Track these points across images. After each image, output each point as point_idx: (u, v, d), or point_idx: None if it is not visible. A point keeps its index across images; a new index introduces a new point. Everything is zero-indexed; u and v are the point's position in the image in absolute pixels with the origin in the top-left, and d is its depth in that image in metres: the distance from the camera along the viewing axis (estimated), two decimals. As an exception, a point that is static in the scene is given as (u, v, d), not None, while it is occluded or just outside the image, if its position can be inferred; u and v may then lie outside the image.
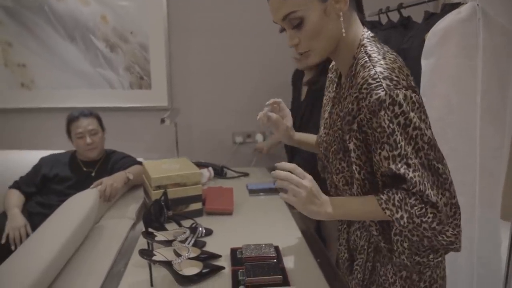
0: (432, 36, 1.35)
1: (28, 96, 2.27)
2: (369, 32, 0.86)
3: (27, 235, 1.69)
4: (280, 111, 1.10)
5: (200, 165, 2.05)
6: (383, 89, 0.73)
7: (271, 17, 0.84)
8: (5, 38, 2.19)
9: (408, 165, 0.75)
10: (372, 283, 0.94)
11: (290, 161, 1.95)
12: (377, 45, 0.83)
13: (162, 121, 1.83)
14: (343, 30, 0.81)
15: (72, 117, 1.89)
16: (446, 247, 0.82)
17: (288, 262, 1.17)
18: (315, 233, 1.49)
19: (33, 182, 1.88)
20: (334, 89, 0.98)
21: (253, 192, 1.83)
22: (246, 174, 2.13)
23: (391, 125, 0.74)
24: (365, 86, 0.76)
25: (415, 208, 0.77)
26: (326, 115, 1.00)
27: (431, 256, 0.86)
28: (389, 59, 0.78)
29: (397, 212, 0.78)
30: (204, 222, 1.46)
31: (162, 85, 2.34)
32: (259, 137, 2.44)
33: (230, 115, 2.45)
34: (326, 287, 1.05)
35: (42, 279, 1.02)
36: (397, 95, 0.73)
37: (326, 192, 0.89)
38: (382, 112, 0.74)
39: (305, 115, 1.75)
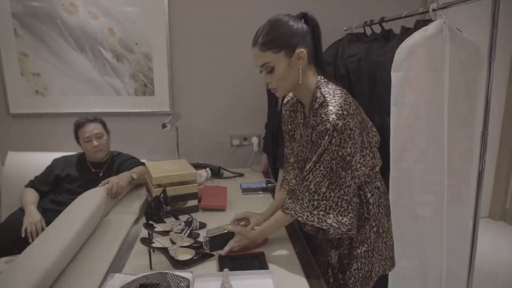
0: (401, 52, 1.51)
1: (42, 102, 2.48)
2: (322, 77, 1.19)
3: (42, 229, 1.88)
4: (244, 220, 1.47)
5: (198, 166, 2.23)
6: (329, 122, 1.07)
7: None
8: (22, 50, 2.39)
9: (317, 167, 1.12)
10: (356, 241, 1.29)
11: (273, 166, 2.22)
12: (328, 85, 1.16)
13: (164, 126, 2.01)
14: (300, 79, 1.15)
15: (79, 123, 2.06)
16: (346, 232, 1.17)
17: (270, 251, 1.34)
18: (298, 228, 1.65)
19: (47, 181, 2.07)
20: (301, 116, 1.28)
21: (246, 191, 2.01)
22: (241, 175, 2.30)
23: (325, 142, 1.09)
24: (319, 118, 1.10)
25: (310, 205, 1.15)
26: (298, 137, 1.29)
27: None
28: (338, 96, 1.12)
29: (303, 215, 1.17)
30: (200, 217, 1.63)
31: (164, 92, 2.52)
32: (254, 140, 2.62)
33: (228, 119, 2.62)
34: (301, 273, 1.22)
35: (57, 264, 1.19)
36: (337, 124, 1.07)
37: None
38: (326, 137, 1.08)
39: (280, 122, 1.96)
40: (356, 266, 1.27)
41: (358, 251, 1.27)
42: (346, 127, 1.07)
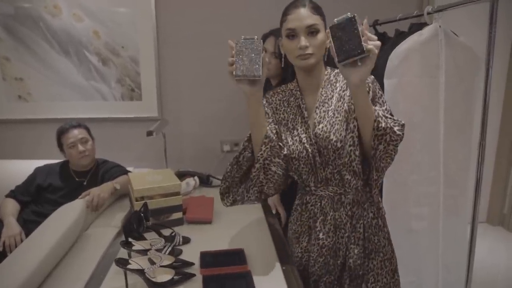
0: (394, 58, 1.44)
1: (25, 108, 2.40)
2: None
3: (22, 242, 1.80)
4: None
5: (186, 174, 2.16)
6: None
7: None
8: (3, 54, 2.31)
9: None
10: (373, 234, 1.21)
11: None
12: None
13: (149, 133, 1.93)
14: (325, 55, 1.15)
15: (62, 129, 1.99)
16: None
17: (257, 269, 1.27)
18: (286, 242, 1.58)
19: (28, 191, 1.99)
20: (303, 102, 1.22)
21: (234, 200, 1.92)
22: (231, 183, 2.22)
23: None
24: None
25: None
26: (318, 118, 1.18)
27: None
28: None
29: (393, 125, 1.04)
30: (185, 230, 1.55)
31: (152, 97, 2.45)
32: (246, 146, 2.54)
33: (218, 124, 2.55)
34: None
35: (27, 285, 1.12)
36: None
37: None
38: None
39: None
40: (373, 279, 1.20)
41: (375, 262, 1.20)
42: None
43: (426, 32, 1.48)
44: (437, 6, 1.49)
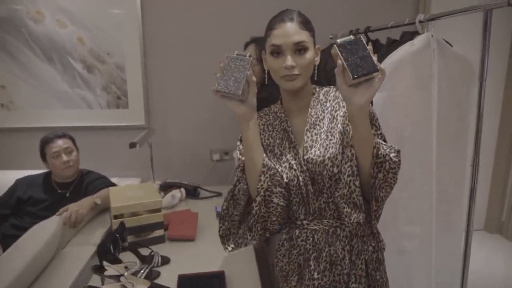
0: (383, 70, 1.37)
1: (7, 116, 2.33)
2: None
3: (-1, 258, 1.73)
4: None
5: (173, 185, 2.09)
6: None
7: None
8: (-16, 61, 2.24)
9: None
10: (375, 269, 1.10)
11: None
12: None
13: (132, 145, 1.86)
14: (316, 75, 1.08)
15: (47, 139, 1.92)
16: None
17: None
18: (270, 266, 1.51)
19: (8, 204, 1.92)
20: (288, 125, 1.12)
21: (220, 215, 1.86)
22: (219, 194, 2.16)
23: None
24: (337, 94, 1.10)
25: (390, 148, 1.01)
26: (309, 142, 1.08)
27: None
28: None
29: (389, 152, 0.98)
30: (166, 248, 1.49)
31: (139, 104, 2.38)
32: (236, 155, 2.47)
33: (208, 133, 2.48)
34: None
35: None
36: None
37: None
38: None
39: None
40: None
41: None
42: None
43: (417, 42, 1.41)
44: (429, 15, 1.42)
